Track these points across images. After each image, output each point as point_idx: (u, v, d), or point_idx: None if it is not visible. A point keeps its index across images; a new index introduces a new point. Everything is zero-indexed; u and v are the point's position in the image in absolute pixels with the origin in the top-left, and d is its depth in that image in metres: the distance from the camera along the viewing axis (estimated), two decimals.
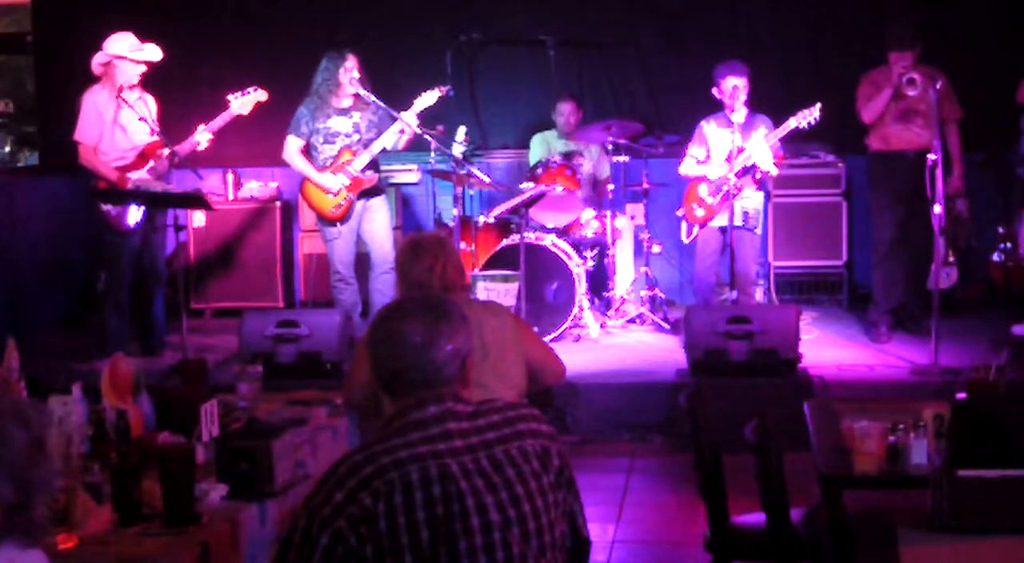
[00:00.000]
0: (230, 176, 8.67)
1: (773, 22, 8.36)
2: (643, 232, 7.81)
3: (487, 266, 7.19)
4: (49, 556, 2.09)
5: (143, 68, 6.69)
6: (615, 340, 7.34)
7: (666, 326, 7.46)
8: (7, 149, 11.24)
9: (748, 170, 7.05)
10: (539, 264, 7.17)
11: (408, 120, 6.82)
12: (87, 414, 3.43)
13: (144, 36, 6.72)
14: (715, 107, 7.18)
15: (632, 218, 7.96)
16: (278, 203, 8.60)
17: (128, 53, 6.61)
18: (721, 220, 7.10)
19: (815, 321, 7.62)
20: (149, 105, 6.82)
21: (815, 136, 7.70)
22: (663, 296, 7.81)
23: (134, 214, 6.66)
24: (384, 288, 6.98)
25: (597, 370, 6.53)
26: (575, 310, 7.20)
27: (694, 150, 7.29)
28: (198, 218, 8.45)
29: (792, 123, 6.89)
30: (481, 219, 7.57)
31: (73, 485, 2.83)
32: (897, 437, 3.46)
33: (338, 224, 6.94)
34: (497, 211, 7.44)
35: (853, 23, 8.12)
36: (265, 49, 8.64)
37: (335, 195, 6.89)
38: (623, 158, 7.87)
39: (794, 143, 7.64)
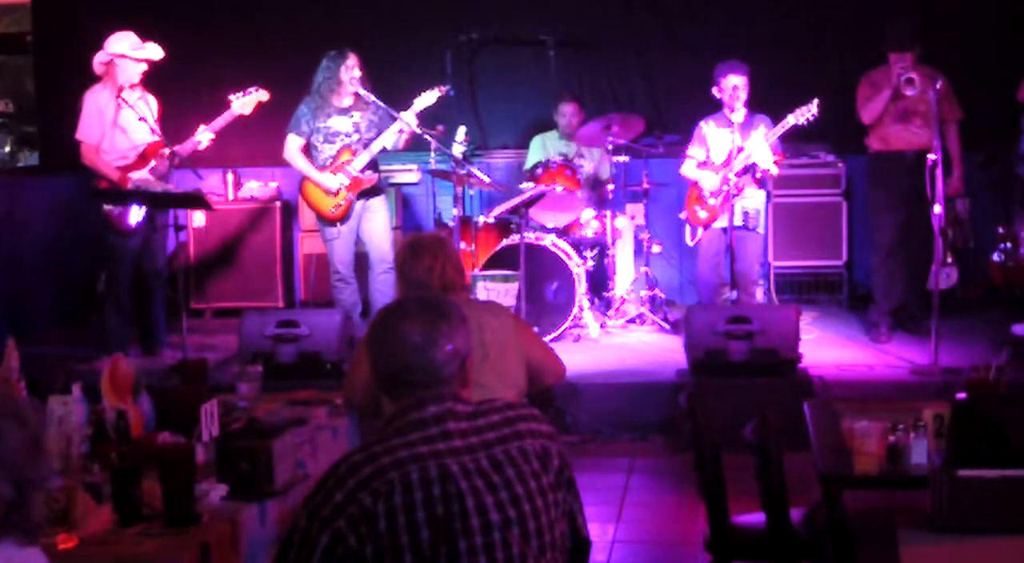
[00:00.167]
0: (230, 176, 8.67)
1: (773, 22, 8.35)
2: (643, 232, 7.81)
3: (487, 266, 7.19)
4: (49, 556, 2.09)
5: (144, 67, 6.69)
6: (615, 340, 7.34)
7: (666, 326, 7.46)
8: (7, 149, 11.24)
9: (748, 170, 7.05)
10: (539, 264, 7.17)
11: (408, 120, 6.83)
12: (87, 414, 3.42)
13: (144, 36, 6.72)
14: (715, 107, 7.18)
15: (632, 218, 7.96)
16: (278, 203, 8.60)
17: (129, 52, 6.61)
18: (724, 221, 7.09)
19: (815, 321, 7.62)
20: (151, 105, 6.82)
21: (815, 136, 7.71)
22: (663, 296, 7.81)
23: (136, 214, 6.66)
24: (383, 288, 6.98)
25: (597, 370, 6.52)
26: (575, 310, 7.20)
27: (694, 151, 7.29)
28: (198, 218, 8.45)
29: (791, 120, 6.89)
30: (481, 219, 7.56)
31: (73, 485, 2.83)
32: (897, 437, 3.46)
33: (337, 224, 6.94)
34: (497, 211, 7.44)
35: (853, 23, 8.11)
36: (265, 49, 8.64)
37: (335, 195, 6.89)
38: (623, 158, 7.87)
39: (794, 143, 7.64)
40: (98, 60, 6.67)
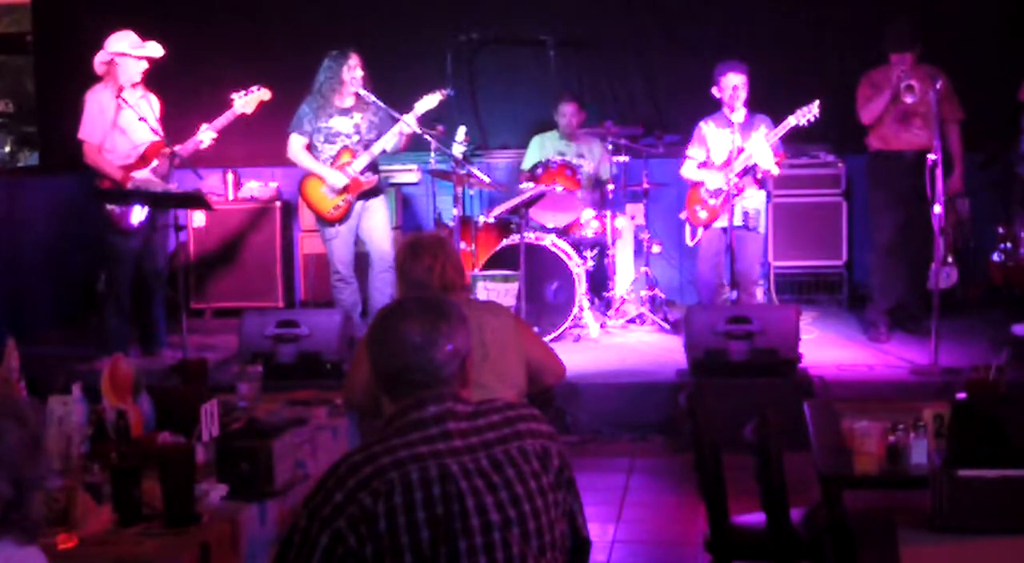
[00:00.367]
0: (230, 176, 8.67)
1: (773, 22, 8.35)
2: (643, 232, 7.81)
3: (487, 266, 7.19)
4: (49, 556, 2.10)
5: (145, 65, 6.69)
6: (615, 340, 7.34)
7: (666, 326, 7.46)
8: (7, 149, 11.25)
9: (749, 170, 7.05)
10: (539, 264, 7.17)
11: (409, 123, 6.82)
12: (87, 414, 3.42)
13: (144, 36, 6.72)
14: (715, 107, 7.18)
15: (632, 218, 7.96)
16: (278, 203, 8.60)
17: (130, 50, 6.62)
18: (724, 221, 7.09)
19: (815, 321, 7.62)
20: (152, 104, 6.82)
21: (815, 136, 7.71)
22: (663, 296, 7.81)
23: (138, 214, 6.67)
24: (383, 287, 6.98)
25: (597, 370, 6.52)
26: (575, 310, 7.20)
27: (693, 151, 7.29)
28: (198, 218, 8.45)
29: (792, 121, 6.89)
30: (481, 219, 7.56)
31: (73, 485, 2.83)
32: (897, 437, 3.46)
33: (336, 224, 6.94)
34: (497, 211, 7.44)
35: (853, 23, 8.11)
36: (265, 48, 8.65)
37: (341, 192, 6.88)
38: (623, 158, 7.88)
39: (794, 143, 7.64)
40: (99, 60, 6.67)
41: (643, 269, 7.75)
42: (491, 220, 7.52)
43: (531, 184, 7.39)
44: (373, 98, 6.83)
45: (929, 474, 3.02)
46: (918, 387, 5.96)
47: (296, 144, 6.94)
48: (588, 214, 7.64)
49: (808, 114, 6.85)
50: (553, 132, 8.03)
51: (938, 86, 6.27)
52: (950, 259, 6.79)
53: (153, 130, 6.67)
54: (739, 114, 6.98)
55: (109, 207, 6.67)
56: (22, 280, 8.14)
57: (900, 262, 7.09)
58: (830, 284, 8.28)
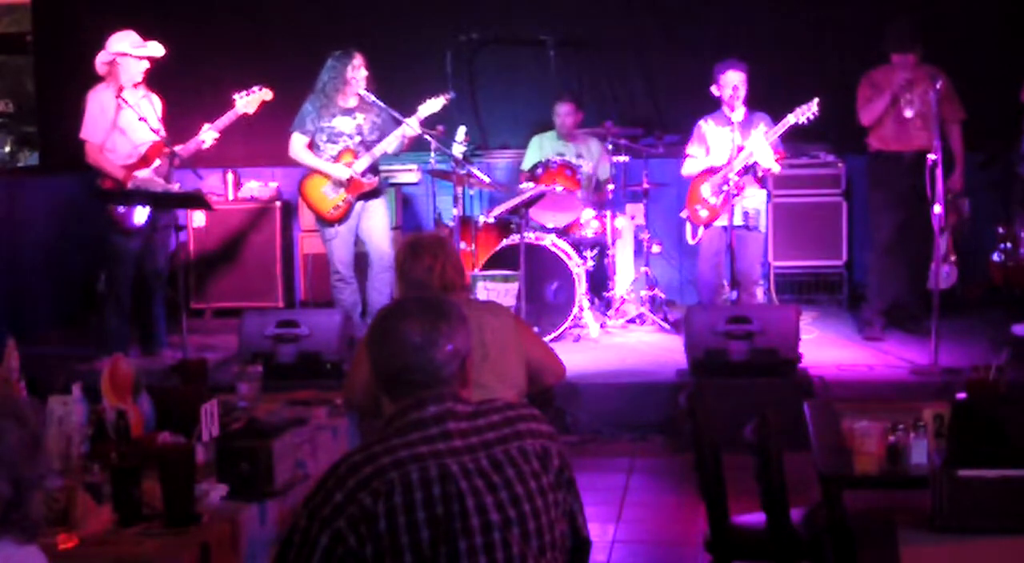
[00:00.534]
0: (230, 176, 8.67)
1: (773, 22, 8.35)
2: (643, 232, 7.81)
3: (487, 266, 7.19)
4: (49, 556, 2.10)
5: (146, 65, 6.69)
6: (615, 340, 7.34)
7: (666, 326, 7.46)
8: (7, 149, 11.25)
9: (750, 169, 7.05)
10: (539, 264, 7.17)
11: (412, 126, 6.80)
12: (87, 414, 3.42)
13: (145, 36, 6.72)
14: (715, 107, 7.18)
15: (632, 218, 7.96)
16: (278, 203, 8.60)
17: (131, 50, 6.62)
18: (725, 220, 7.09)
19: (815, 321, 7.62)
20: (154, 104, 6.82)
21: (815, 136, 7.71)
22: (663, 296, 7.81)
23: (140, 214, 6.67)
24: (382, 288, 6.98)
25: (597, 370, 6.52)
26: (575, 310, 7.20)
27: (693, 150, 7.29)
28: (198, 218, 8.45)
29: (791, 119, 6.89)
30: (481, 219, 7.56)
31: (73, 485, 2.83)
32: (897, 437, 3.46)
33: (336, 224, 6.94)
34: (497, 211, 7.44)
35: (853, 23, 8.11)
36: (265, 49, 8.64)
37: (337, 194, 6.88)
38: (623, 158, 7.88)
39: (794, 143, 7.64)
40: (100, 60, 6.67)
41: (643, 269, 7.75)
42: (491, 220, 7.52)
43: (531, 184, 7.39)
44: (375, 100, 6.82)
45: (929, 474, 3.02)
46: (918, 387, 5.96)
47: (298, 143, 6.94)
48: (588, 214, 7.64)
49: (807, 112, 6.84)
50: (552, 132, 8.03)
51: (938, 86, 6.26)
52: (953, 258, 6.80)
53: (154, 130, 6.67)
54: (739, 113, 6.99)
55: (112, 207, 6.67)
56: (22, 280, 8.14)
57: (898, 262, 7.09)
58: (830, 284, 8.28)
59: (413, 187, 8.61)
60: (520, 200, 7.11)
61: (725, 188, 7.02)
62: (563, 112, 7.89)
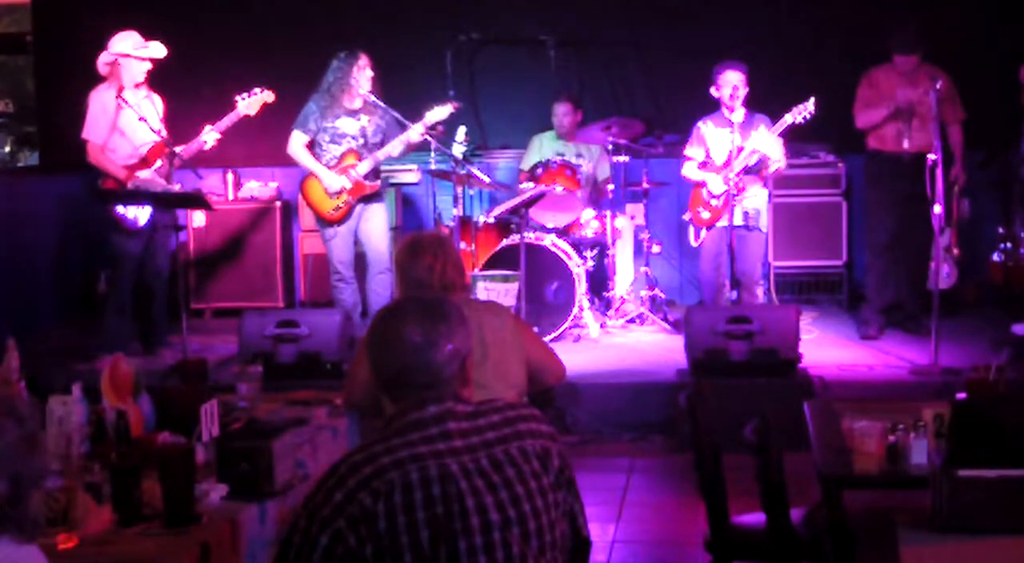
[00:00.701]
0: (230, 176, 8.68)
1: (773, 22, 8.35)
2: (643, 232, 7.81)
3: (487, 266, 7.19)
4: (49, 556, 2.10)
5: (148, 66, 6.69)
6: (615, 340, 7.34)
7: (666, 326, 7.46)
8: (7, 149, 11.26)
9: (752, 168, 7.03)
10: (539, 264, 7.17)
11: (418, 132, 6.78)
12: (87, 414, 3.42)
13: (145, 36, 6.72)
14: (715, 106, 7.18)
15: (632, 218, 7.96)
16: (278, 203, 8.60)
17: (132, 51, 6.62)
18: (727, 221, 7.08)
19: (815, 321, 7.62)
20: (156, 104, 6.83)
21: (815, 136, 7.71)
22: (663, 296, 7.81)
23: (142, 214, 6.67)
24: (380, 289, 6.98)
25: (597, 370, 6.52)
26: (575, 310, 7.20)
27: (692, 151, 7.28)
28: (198, 218, 8.45)
29: (788, 119, 6.88)
30: (481, 219, 7.56)
31: (73, 485, 2.83)
32: (897, 437, 3.46)
33: (336, 224, 6.94)
34: (497, 211, 7.44)
35: (853, 23, 8.11)
36: (266, 49, 8.65)
37: (336, 196, 6.88)
38: (623, 158, 7.87)
39: (794, 143, 7.63)
40: (102, 61, 6.67)
41: (643, 269, 7.75)
42: (491, 220, 7.52)
43: (531, 184, 7.39)
44: (379, 102, 6.80)
45: (929, 474, 3.02)
46: (918, 387, 5.96)
47: (297, 141, 6.93)
48: (588, 214, 7.64)
49: (804, 112, 6.83)
50: (551, 132, 8.03)
51: (938, 86, 6.27)
52: (955, 252, 6.81)
53: (155, 131, 6.66)
54: (738, 114, 6.98)
55: (112, 207, 6.67)
56: (22, 280, 8.14)
57: (896, 262, 7.10)
58: (830, 284, 8.29)
59: (413, 187, 8.61)
60: (520, 200, 7.11)
61: (725, 189, 7.01)
62: (561, 112, 7.90)
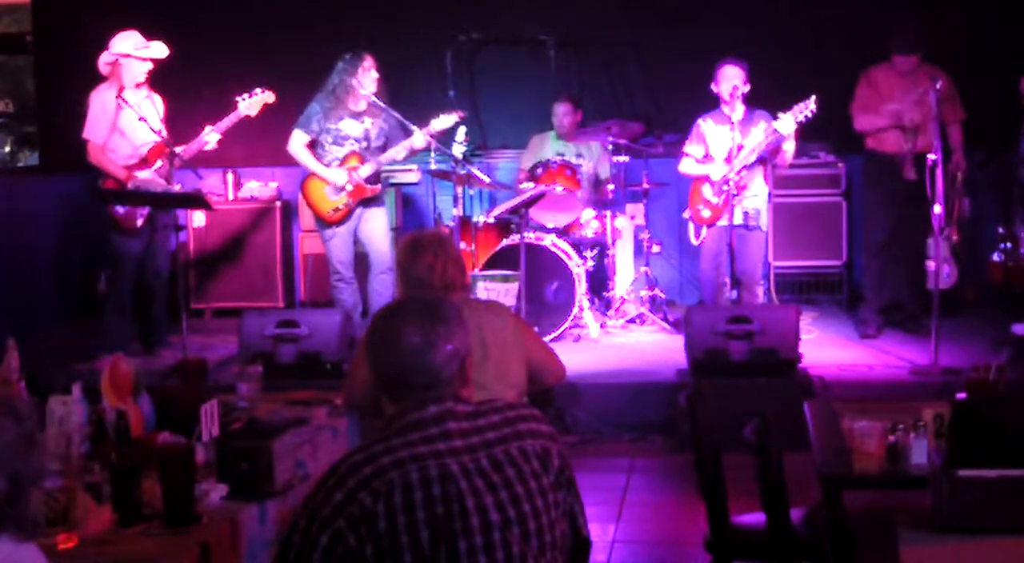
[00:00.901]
0: (230, 176, 8.68)
1: (773, 22, 8.35)
2: (643, 232, 7.81)
3: (487, 266, 7.19)
4: (49, 556, 2.10)
5: (149, 66, 6.69)
6: (615, 340, 7.34)
7: (666, 326, 7.46)
8: (7, 149, 11.26)
9: (753, 165, 7.01)
10: (539, 264, 7.17)
11: (423, 138, 6.76)
12: (87, 414, 3.42)
13: (146, 36, 6.72)
14: (715, 106, 7.17)
15: (632, 218, 7.96)
16: (278, 203, 8.60)
17: (133, 51, 6.62)
18: (727, 219, 7.07)
19: (815, 321, 7.62)
20: (157, 104, 6.83)
21: (815, 136, 7.71)
22: (663, 296, 7.81)
23: (142, 214, 6.68)
24: (382, 289, 6.97)
25: (597, 370, 6.52)
26: (575, 310, 7.20)
27: (691, 148, 7.27)
28: (198, 218, 8.45)
29: (792, 117, 6.87)
30: (481, 219, 7.56)
31: (73, 485, 2.83)
32: (897, 437, 3.46)
33: (335, 225, 6.93)
34: (497, 211, 7.44)
35: (853, 23, 8.11)
36: (266, 49, 8.65)
37: (337, 194, 6.87)
38: (623, 158, 7.87)
39: (794, 143, 7.62)
40: (103, 60, 6.68)
41: (643, 269, 7.75)
42: (491, 220, 7.52)
43: (531, 184, 7.39)
44: (383, 105, 6.79)
45: (929, 474, 3.02)
46: (918, 387, 5.96)
47: (297, 140, 6.91)
48: (588, 214, 7.64)
49: (805, 110, 6.82)
50: (551, 132, 8.03)
51: (938, 86, 6.26)
52: (957, 245, 6.81)
53: (155, 131, 6.67)
54: (738, 111, 6.97)
55: (112, 207, 6.68)
56: (22, 280, 8.14)
57: (894, 262, 7.10)
58: (830, 284, 8.29)
59: (413, 187, 8.61)
60: (520, 200, 7.11)
61: (726, 188, 7.00)
62: (561, 112, 7.90)
